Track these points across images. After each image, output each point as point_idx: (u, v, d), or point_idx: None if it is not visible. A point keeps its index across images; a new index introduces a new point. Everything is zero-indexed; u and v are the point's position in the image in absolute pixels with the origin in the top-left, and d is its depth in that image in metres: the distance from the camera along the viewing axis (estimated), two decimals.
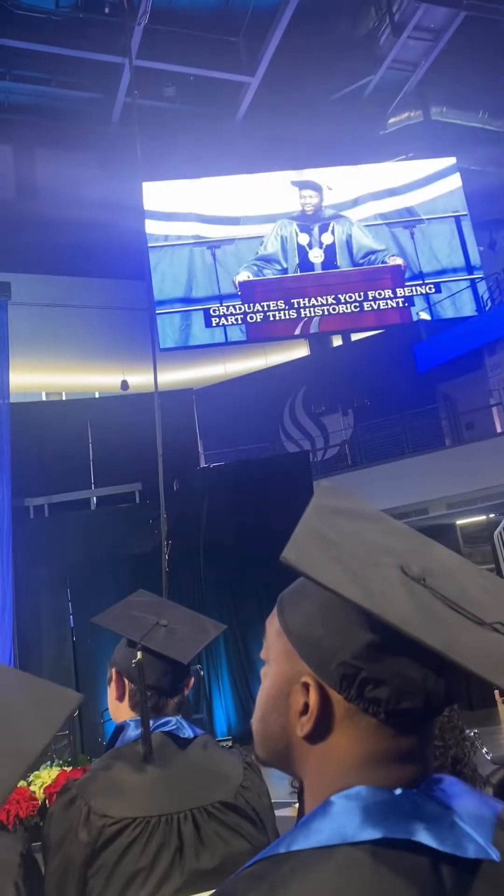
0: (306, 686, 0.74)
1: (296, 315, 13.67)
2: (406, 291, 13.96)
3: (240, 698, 9.88)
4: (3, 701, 0.83)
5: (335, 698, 0.73)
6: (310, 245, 14.02)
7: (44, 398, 15.16)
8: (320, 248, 14.01)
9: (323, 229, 14.16)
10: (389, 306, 13.85)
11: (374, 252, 14.13)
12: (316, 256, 14.00)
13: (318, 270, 14.00)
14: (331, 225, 14.18)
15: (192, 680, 1.64)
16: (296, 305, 13.68)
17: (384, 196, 14.40)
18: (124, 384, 14.91)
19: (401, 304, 13.88)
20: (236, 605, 9.96)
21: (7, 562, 9.17)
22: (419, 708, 0.71)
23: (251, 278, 13.82)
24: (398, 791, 0.70)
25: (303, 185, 14.29)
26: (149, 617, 1.59)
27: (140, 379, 13.84)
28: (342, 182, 14.43)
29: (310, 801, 0.74)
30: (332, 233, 14.15)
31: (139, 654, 1.49)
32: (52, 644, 9.66)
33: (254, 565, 9.34)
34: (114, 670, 1.61)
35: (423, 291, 14.04)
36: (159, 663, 1.53)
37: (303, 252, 13.97)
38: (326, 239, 14.12)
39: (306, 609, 0.76)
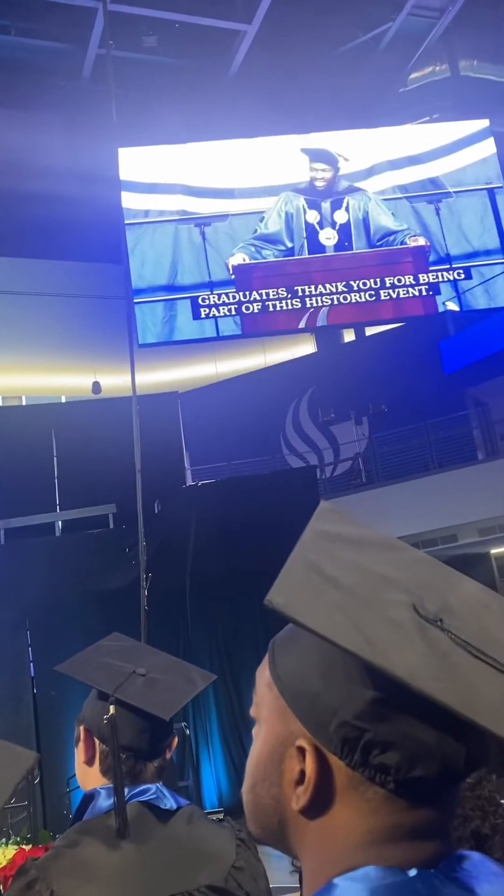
0: (302, 751, 0.73)
1: (300, 305, 13.75)
2: (430, 277, 14.05)
3: (233, 763, 9.83)
4: None
5: (336, 765, 0.72)
6: (321, 224, 14.11)
7: (0, 402, 15.19)
8: (333, 227, 14.11)
9: (336, 205, 14.26)
10: (411, 295, 13.94)
11: (393, 233, 14.23)
12: (328, 238, 14.09)
13: (327, 254, 14.11)
14: (345, 200, 14.28)
15: (176, 740, 1.64)
16: (300, 294, 13.75)
17: (404, 165, 14.52)
18: (96, 386, 14.93)
19: (424, 293, 13.97)
20: (229, 651, 9.92)
21: None
22: (435, 776, 0.71)
23: (247, 261, 13.90)
24: (413, 872, 0.70)
25: (315, 156, 14.39)
26: (124, 665, 1.59)
27: (115, 380, 13.87)
28: (354, 148, 14.56)
29: (309, 884, 0.74)
30: (347, 209, 14.25)
31: (112, 709, 1.49)
32: (7, 697, 9.60)
33: (250, 604, 9.33)
34: (82, 728, 1.61)
35: (451, 277, 14.13)
36: (136, 720, 1.53)
37: (312, 232, 14.07)
38: (340, 217, 14.22)
39: (301, 658, 0.75)
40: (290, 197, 14.29)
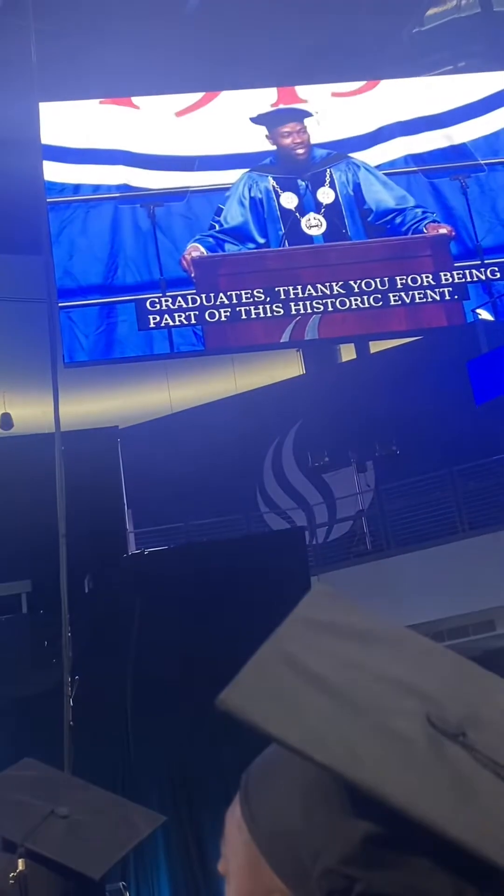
0: None
1: (283, 311, 13.87)
2: (456, 276, 14.27)
3: None
4: None
5: None
6: (301, 209, 14.31)
7: None
8: (318, 211, 14.31)
9: (317, 182, 14.48)
10: (430, 299, 14.13)
11: (395, 212, 14.43)
12: (313, 226, 14.29)
13: (322, 244, 14.28)
14: (327, 174, 14.50)
15: None
16: (283, 296, 13.89)
17: (419, 129, 14.83)
18: (6, 419, 14.87)
19: (447, 296, 14.17)
20: (186, 782, 9.82)
21: None
22: None
23: (206, 254, 14.03)
24: None
25: (276, 119, 14.52)
26: (38, 803, 1.57)
27: (31, 411, 13.83)
28: (351, 107, 14.84)
29: None
30: (332, 185, 14.47)
31: (21, 864, 1.47)
32: None
33: (215, 717, 9.22)
34: None
35: (483, 276, 14.36)
36: (55, 879, 1.51)
37: (290, 221, 14.25)
38: (325, 196, 14.43)
39: (280, 791, 0.76)
40: (255, 178, 14.43)
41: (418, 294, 14.09)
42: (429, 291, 14.13)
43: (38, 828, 1.56)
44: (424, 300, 14.10)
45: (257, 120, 14.45)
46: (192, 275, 13.95)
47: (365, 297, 13.94)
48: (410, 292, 14.06)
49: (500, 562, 11.40)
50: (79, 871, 1.55)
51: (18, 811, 1.60)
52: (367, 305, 13.96)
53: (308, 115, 14.53)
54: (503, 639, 11.65)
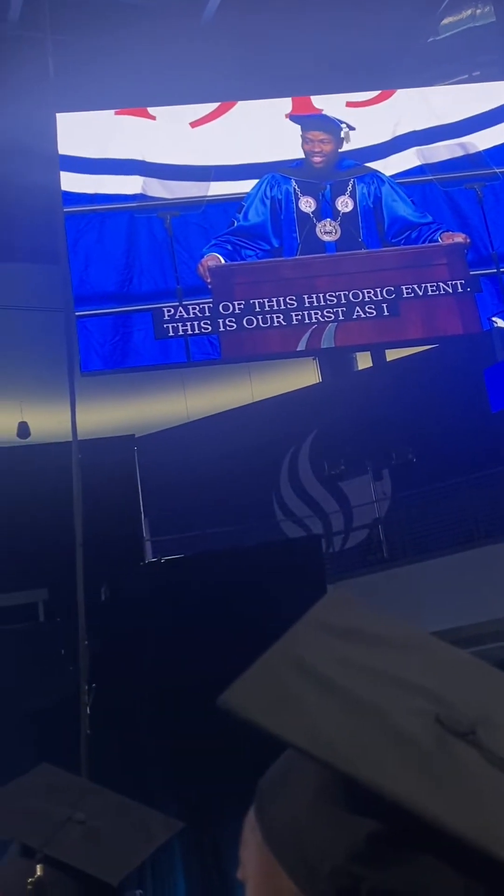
0: None
1: (299, 320, 13.87)
2: (472, 285, 14.24)
3: None
4: None
5: None
6: (318, 215, 14.33)
7: None
8: (334, 219, 14.33)
9: (338, 190, 14.51)
10: (443, 291, 14.09)
11: (414, 227, 14.44)
12: (328, 232, 14.30)
13: (332, 253, 14.29)
14: (350, 183, 14.53)
15: None
16: (298, 305, 13.89)
17: (433, 138, 14.82)
18: (23, 428, 14.92)
19: (460, 288, 14.14)
20: (204, 790, 9.80)
21: None
22: None
23: (223, 262, 14.06)
24: None
25: (309, 124, 14.66)
26: (56, 809, 1.57)
27: (48, 421, 13.88)
28: (366, 116, 14.85)
29: None
30: (353, 195, 14.49)
31: (39, 870, 1.48)
32: None
33: (231, 725, 9.21)
34: None
35: (499, 284, 14.33)
36: (72, 885, 1.51)
37: (306, 224, 14.27)
38: (343, 205, 14.45)
39: (289, 793, 0.76)
40: (277, 179, 14.49)
41: (434, 302, 14.06)
42: (445, 300, 14.09)
43: (56, 833, 1.56)
44: (441, 308, 14.06)
45: (294, 119, 14.52)
46: (209, 284, 13.97)
47: (381, 305, 13.93)
48: (426, 300, 14.04)
49: None
50: (96, 876, 1.55)
51: (36, 817, 1.60)
52: (383, 314, 13.95)
53: (338, 127, 14.56)
54: None
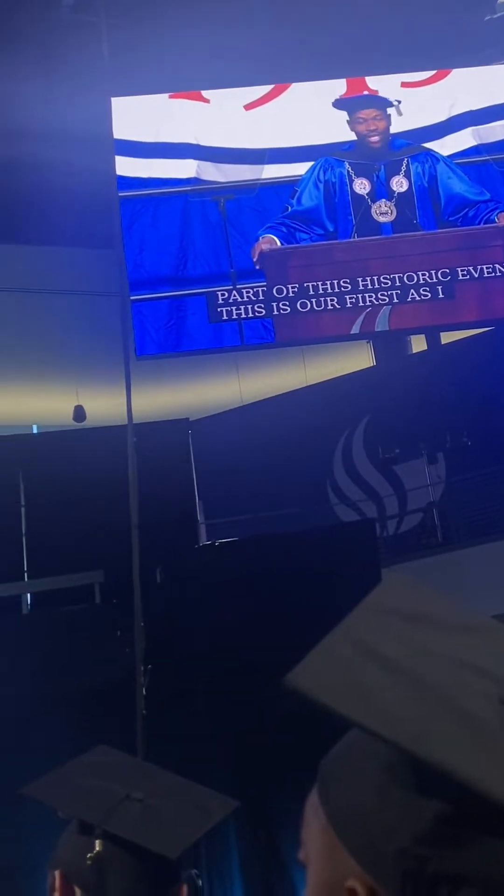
0: (353, 894, 0.74)
1: (353, 303, 13.80)
2: None
3: None
4: None
5: None
6: (373, 196, 14.22)
7: None
8: (389, 199, 14.21)
9: (392, 170, 14.39)
10: (499, 273, 13.93)
11: (471, 205, 14.29)
12: (383, 213, 14.19)
13: (387, 235, 14.18)
14: (404, 163, 14.40)
15: (185, 890, 1.63)
16: (353, 288, 13.82)
17: (490, 118, 14.64)
18: (79, 412, 15.05)
19: None
20: (260, 771, 9.83)
21: None
22: None
23: (278, 244, 14.02)
24: None
25: (358, 103, 14.55)
26: (114, 787, 1.58)
27: (104, 404, 13.97)
28: (420, 97, 14.71)
29: None
30: (408, 174, 14.36)
31: (98, 845, 1.49)
32: None
33: (287, 706, 9.23)
34: (57, 873, 1.60)
35: None
36: (131, 861, 1.52)
37: (361, 205, 14.17)
38: (398, 185, 14.32)
39: (352, 774, 0.76)
40: (331, 163, 14.41)
41: (491, 284, 13.92)
42: (502, 281, 13.95)
43: (114, 811, 1.58)
44: (497, 290, 13.93)
45: (338, 104, 14.40)
46: (263, 267, 13.95)
47: (437, 288, 13.81)
48: (482, 282, 13.90)
49: None
50: (155, 851, 1.56)
51: (94, 795, 1.62)
52: (438, 296, 13.83)
53: (388, 103, 14.42)
54: None
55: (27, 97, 14.51)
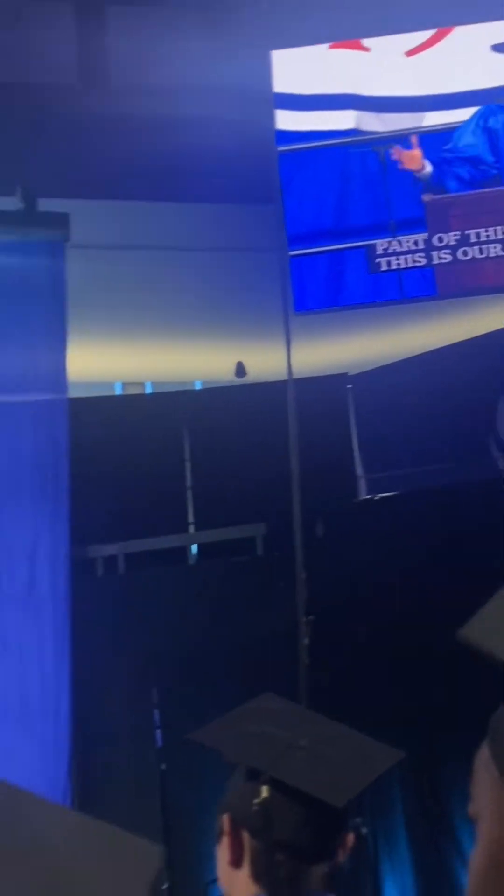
0: None
1: None
2: None
3: (424, 877, 9.71)
4: (61, 860, 0.81)
5: None
6: None
7: (119, 391, 15.68)
8: None
9: None
10: None
11: None
12: None
13: None
14: None
15: (351, 838, 1.65)
16: None
17: None
18: (240, 368, 15.15)
19: None
20: (426, 722, 9.80)
21: (63, 642, 9.49)
22: None
23: (435, 196, 13.71)
24: None
25: None
26: (280, 734, 1.61)
27: (264, 360, 14.00)
28: None
29: None
30: None
31: (265, 791, 1.51)
32: (127, 773, 9.87)
33: (460, 664, 9.15)
34: (226, 818, 1.64)
35: None
36: (297, 808, 1.55)
37: None
38: None
39: None
40: (493, 109, 13.96)
41: None
42: None
43: (281, 758, 1.61)
44: None
45: (499, 48, 13.95)
46: (423, 217, 13.70)
47: None
48: None
49: None
50: (321, 798, 1.58)
51: (259, 741, 1.64)
52: None
53: None
54: None
55: (188, 52, 14.56)
